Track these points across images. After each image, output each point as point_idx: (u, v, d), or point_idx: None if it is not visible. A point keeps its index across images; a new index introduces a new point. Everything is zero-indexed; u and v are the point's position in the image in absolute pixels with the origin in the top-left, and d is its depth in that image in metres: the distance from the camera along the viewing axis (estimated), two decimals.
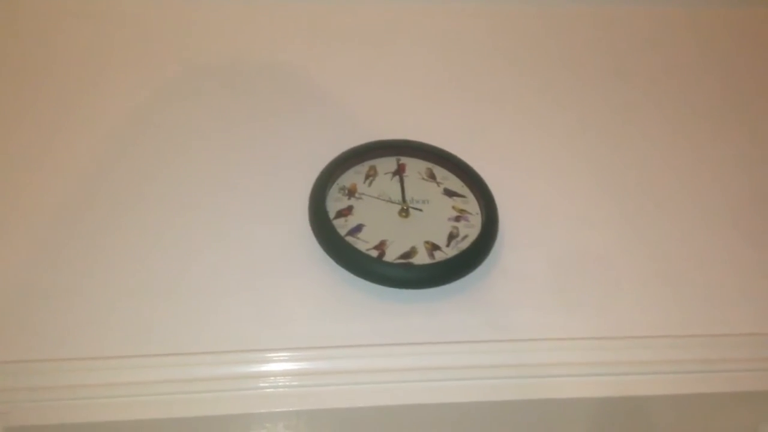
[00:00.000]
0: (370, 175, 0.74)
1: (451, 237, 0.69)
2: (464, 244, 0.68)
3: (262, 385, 0.60)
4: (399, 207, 0.71)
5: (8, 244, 0.65)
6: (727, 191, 0.78)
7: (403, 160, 0.75)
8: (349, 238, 0.67)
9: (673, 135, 0.82)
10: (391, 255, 0.67)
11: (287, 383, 0.60)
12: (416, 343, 0.63)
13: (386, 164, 0.75)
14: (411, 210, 0.71)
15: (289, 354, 0.61)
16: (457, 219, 0.71)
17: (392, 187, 0.73)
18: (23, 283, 0.63)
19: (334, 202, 0.70)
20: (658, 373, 0.64)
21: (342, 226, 0.68)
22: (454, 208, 0.72)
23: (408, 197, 0.72)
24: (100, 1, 0.84)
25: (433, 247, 0.68)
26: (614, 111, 0.84)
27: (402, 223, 0.70)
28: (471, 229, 0.70)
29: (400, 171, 0.74)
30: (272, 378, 0.60)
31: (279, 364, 0.60)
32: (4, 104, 0.75)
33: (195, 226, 0.69)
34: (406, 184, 0.73)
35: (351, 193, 0.72)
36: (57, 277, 0.63)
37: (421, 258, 0.67)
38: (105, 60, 0.80)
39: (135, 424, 0.58)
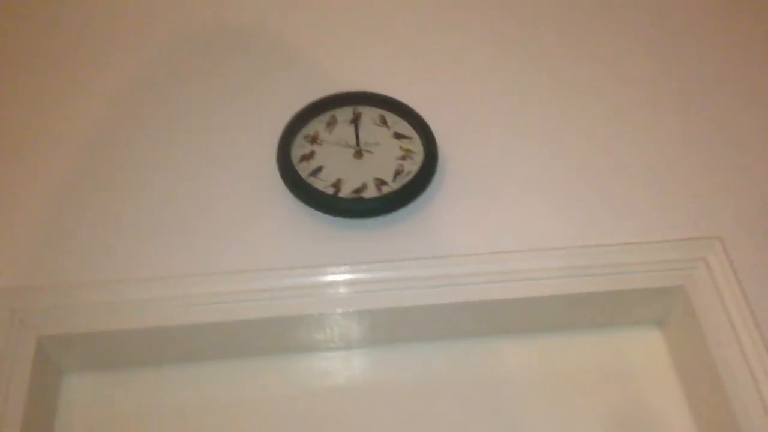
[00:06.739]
0: (331, 123, 0.86)
1: (397, 173, 0.81)
2: (407, 178, 0.80)
3: (242, 298, 0.74)
4: (353, 150, 0.83)
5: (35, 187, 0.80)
6: (654, 118, 0.88)
7: (360, 108, 0.87)
8: (310, 179, 0.80)
9: (607, 65, 0.92)
10: (346, 191, 0.80)
11: (266, 296, 0.74)
12: (370, 262, 0.76)
13: (345, 113, 0.87)
14: (363, 152, 0.83)
15: (260, 273, 0.75)
16: (403, 158, 0.83)
17: (349, 133, 0.85)
18: (50, 220, 0.78)
19: (299, 149, 0.83)
20: (567, 277, 0.76)
21: (304, 169, 0.81)
22: (401, 148, 0.83)
23: (362, 141, 0.84)
24: None
25: (381, 183, 0.80)
26: (557, 56, 0.94)
27: (356, 163, 0.82)
28: (414, 166, 0.82)
29: (356, 119, 0.86)
30: (248, 293, 0.74)
31: (252, 282, 0.74)
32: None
33: (183, 170, 0.82)
34: (361, 130, 0.85)
35: (314, 140, 0.84)
36: (78, 213, 0.79)
37: (371, 192, 0.79)
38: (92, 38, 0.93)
39: (145, 331, 0.73)
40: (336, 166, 0.82)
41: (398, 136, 0.85)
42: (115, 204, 0.80)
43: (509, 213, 0.81)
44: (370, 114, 0.87)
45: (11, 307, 0.71)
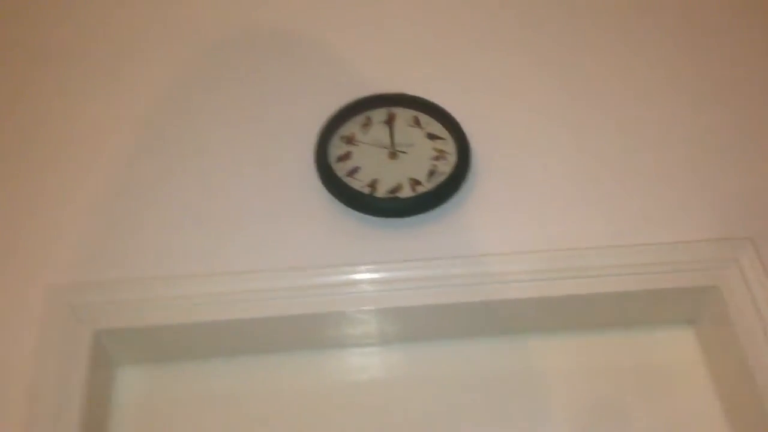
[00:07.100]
0: (366, 125, 0.88)
1: (431, 174, 0.83)
2: (440, 179, 0.82)
3: (285, 295, 0.78)
4: (388, 151, 0.86)
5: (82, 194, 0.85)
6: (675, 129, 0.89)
7: (394, 110, 0.89)
8: (347, 179, 0.83)
9: (640, 66, 0.93)
10: (381, 191, 0.82)
11: (306, 293, 0.78)
12: (403, 260, 0.79)
13: (379, 114, 0.89)
14: (398, 153, 0.85)
15: (301, 270, 0.78)
16: (437, 158, 0.85)
17: (384, 134, 0.87)
18: (104, 218, 0.83)
19: (336, 149, 0.86)
20: (601, 276, 0.78)
21: (341, 169, 0.84)
22: (434, 149, 0.86)
23: (396, 142, 0.86)
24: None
25: (416, 183, 0.83)
26: (590, 58, 0.94)
27: (391, 164, 0.85)
28: (448, 167, 0.84)
29: (390, 120, 0.88)
30: (290, 290, 0.78)
31: (293, 279, 0.78)
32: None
33: (226, 171, 0.86)
34: (395, 131, 0.87)
35: (350, 140, 0.87)
36: (131, 212, 0.83)
37: (406, 192, 0.82)
38: (129, 49, 0.97)
39: (193, 326, 0.77)
40: (372, 166, 0.84)
41: (432, 137, 0.87)
42: (164, 203, 0.84)
43: (542, 213, 0.82)
44: (404, 115, 0.89)
45: (69, 303, 0.76)
